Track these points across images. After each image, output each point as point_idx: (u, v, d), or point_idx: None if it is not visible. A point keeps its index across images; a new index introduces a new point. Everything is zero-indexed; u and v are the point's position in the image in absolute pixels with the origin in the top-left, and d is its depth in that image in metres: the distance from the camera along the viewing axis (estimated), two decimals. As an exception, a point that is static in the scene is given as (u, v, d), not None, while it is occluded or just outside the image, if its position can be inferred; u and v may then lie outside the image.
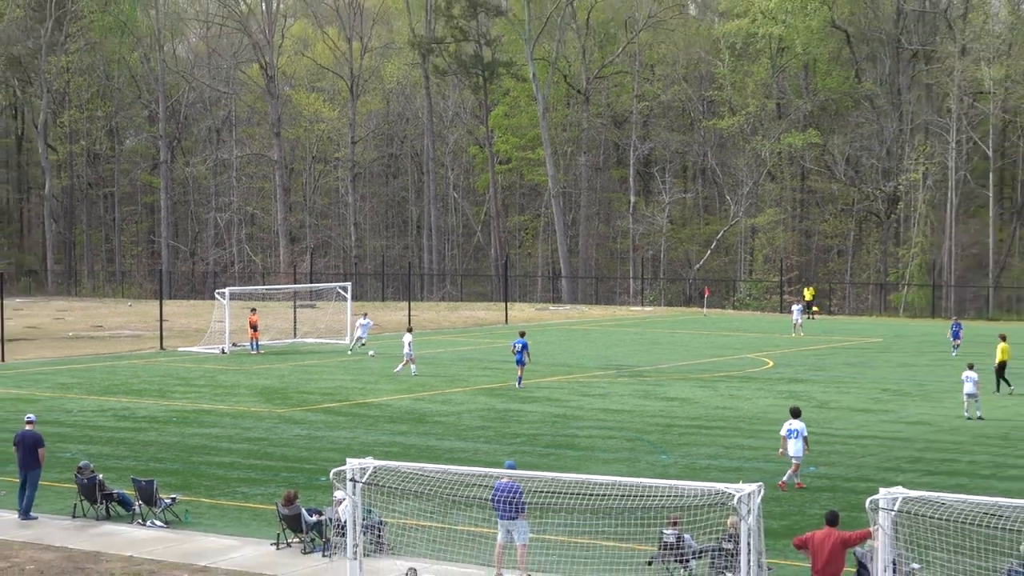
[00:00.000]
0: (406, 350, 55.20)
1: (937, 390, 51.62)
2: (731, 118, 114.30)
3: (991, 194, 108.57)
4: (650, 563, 23.19)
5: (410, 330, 57.87)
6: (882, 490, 19.50)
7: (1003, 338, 51.46)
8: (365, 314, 68.01)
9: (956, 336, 65.35)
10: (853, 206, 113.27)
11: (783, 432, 32.27)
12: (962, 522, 19.40)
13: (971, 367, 44.21)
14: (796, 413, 32.67)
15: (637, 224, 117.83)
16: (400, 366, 55.82)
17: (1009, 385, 50.08)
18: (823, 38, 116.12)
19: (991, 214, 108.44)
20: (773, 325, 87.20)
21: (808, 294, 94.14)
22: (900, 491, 19.41)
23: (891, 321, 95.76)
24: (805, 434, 32.09)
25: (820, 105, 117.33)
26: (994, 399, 47.12)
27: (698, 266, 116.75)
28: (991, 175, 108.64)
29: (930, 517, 19.46)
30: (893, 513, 19.25)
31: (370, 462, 22.10)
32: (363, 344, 65.41)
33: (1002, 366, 50.53)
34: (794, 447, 31.97)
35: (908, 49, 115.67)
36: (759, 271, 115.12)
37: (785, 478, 32.04)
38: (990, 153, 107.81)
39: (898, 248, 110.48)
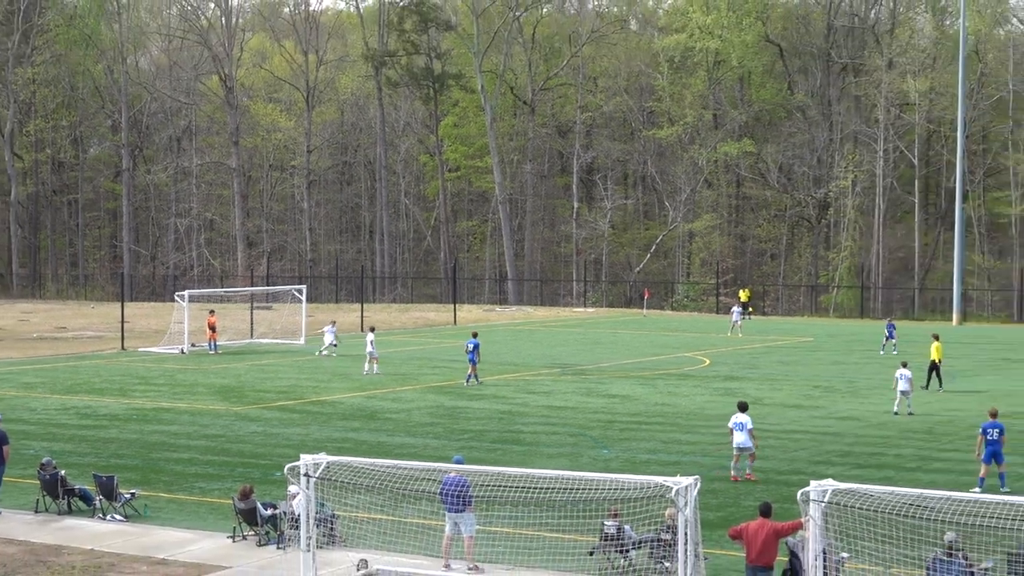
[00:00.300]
0: (369, 349, 55.90)
1: (866, 387, 52.55)
2: (670, 128, 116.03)
3: (916, 200, 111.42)
4: (591, 553, 23.36)
5: (372, 329, 58.81)
6: (813, 483, 19.82)
7: (936, 338, 52.26)
8: (333, 322, 67.38)
9: (890, 336, 66.56)
10: (786, 212, 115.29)
11: (730, 424, 33.20)
12: (889, 513, 19.72)
13: (905, 365, 45.13)
14: (743, 407, 33.55)
15: (580, 229, 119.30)
16: (367, 365, 56.44)
17: (940, 384, 50.83)
18: (757, 52, 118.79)
19: (916, 219, 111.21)
20: (710, 325, 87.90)
21: (744, 295, 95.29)
22: (830, 483, 19.73)
23: (822, 321, 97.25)
24: (751, 427, 32.85)
25: (754, 116, 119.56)
26: (921, 395, 47.46)
27: (638, 269, 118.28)
28: (916, 182, 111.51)
29: (859, 508, 19.65)
30: (823, 504, 19.52)
31: (323, 457, 22.15)
32: (335, 346, 64.83)
33: (935, 364, 51.27)
34: (740, 439, 32.86)
35: (838, 63, 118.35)
36: (696, 274, 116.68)
37: (734, 471, 32.95)
38: (915, 161, 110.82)
39: (828, 252, 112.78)
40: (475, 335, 54.32)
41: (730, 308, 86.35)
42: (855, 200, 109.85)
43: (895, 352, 63.95)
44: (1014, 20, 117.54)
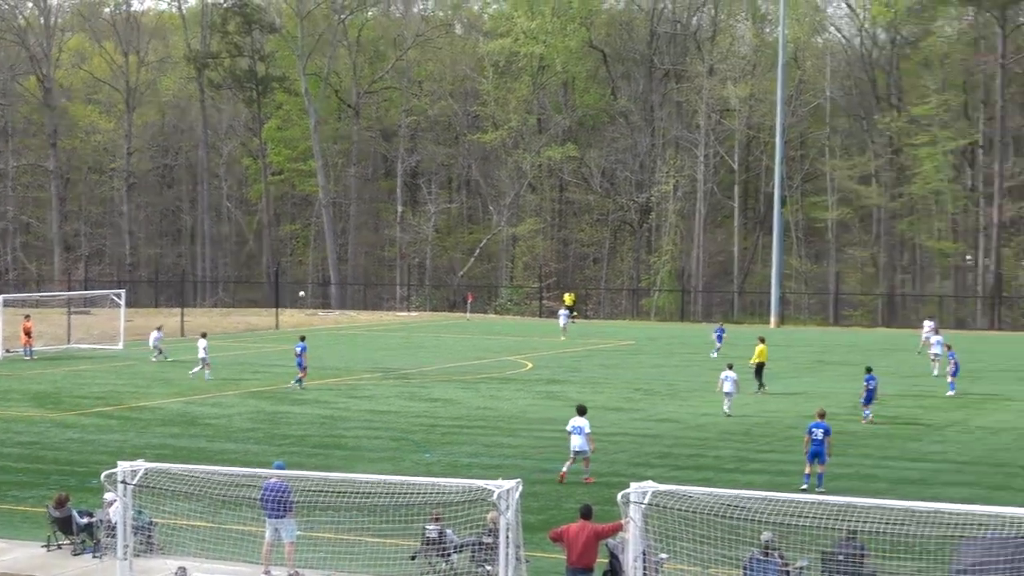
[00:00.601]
0: (201, 355, 55.67)
1: (685, 389, 53.45)
2: (494, 132, 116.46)
3: (736, 205, 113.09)
4: (413, 558, 23.45)
5: (204, 335, 58.34)
6: (633, 484, 20.01)
7: (761, 340, 53.45)
8: (159, 327, 66.67)
9: (719, 339, 67.46)
10: (608, 216, 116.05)
11: (568, 428, 33.57)
12: (707, 514, 19.97)
13: (730, 367, 46.28)
14: (582, 411, 33.75)
15: (404, 233, 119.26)
16: (196, 369, 56.22)
17: (762, 385, 51.88)
18: (581, 58, 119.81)
19: (736, 224, 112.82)
20: (533, 329, 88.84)
21: (568, 299, 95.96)
22: (650, 485, 19.95)
23: (643, 324, 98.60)
24: (588, 431, 33.14)
25: (578, 120, 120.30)
26: (739, 397, 47.56)
27: (462, 273, 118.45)
28: (736, 187, 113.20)
29: (678, 510, 19.86)
30: (643, 506, 19.73)
31: (141, 464, 21.97)
32: (162, 352, 64.32)
33: (760, 366, 52.40)
34: (577, 442, 33.17)
35: (660, 69, 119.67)
36: (520, 277, 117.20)
37: (564, 468, 33.38)
38: (735, 166, 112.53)
39: (650, 256, 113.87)
40: (303, 339, 54.13)
41: (557, 312, 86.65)
42: (676, 205, 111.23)
43: (714, 355, 64.99)
44: (831, 29, 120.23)
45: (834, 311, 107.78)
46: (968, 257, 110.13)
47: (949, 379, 52.64)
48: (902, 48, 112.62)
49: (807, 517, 19.82)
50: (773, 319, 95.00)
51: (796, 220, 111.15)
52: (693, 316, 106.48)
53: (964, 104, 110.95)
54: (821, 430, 32.38)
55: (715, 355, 65.18)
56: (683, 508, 19.89)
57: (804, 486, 31.74)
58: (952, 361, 52.73)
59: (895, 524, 19.26)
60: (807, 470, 32.41)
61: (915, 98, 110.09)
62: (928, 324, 69.99)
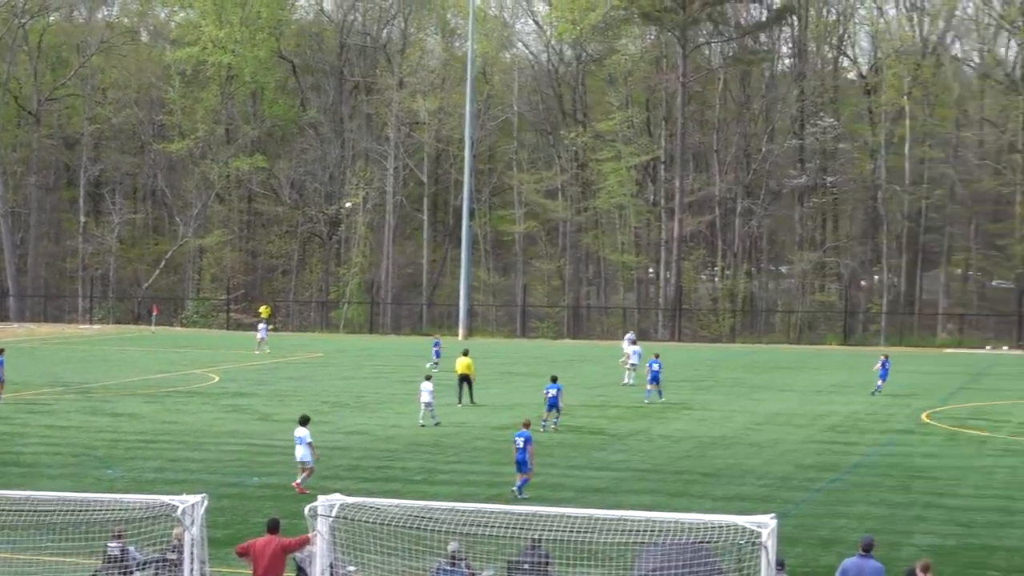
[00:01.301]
0: None
1: (374, 401, 54.30)
2: (181, 142, 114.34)
3: (425, 217, 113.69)
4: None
5: None
6: (320, 497, 20.13)
7: (465, 353, 54.36)
8: None
9: (437, 354, 67.92)
10: (297, 228, 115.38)
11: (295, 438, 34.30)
12: (395, 525, 20.13)
13: (428, 379, 47.44)
14: (304, 421, 34.44)
15: (87, 243, 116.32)
16: None
17: (467, 400, 52.70)
18: (270, 68, 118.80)
19: (425, 236, 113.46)
20: (220, 341, 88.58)
21: (264, 312, 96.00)
22: (338, 498, 20.06)
23: (332, 337, 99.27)
24: (309, 440, 33.73)
25: (267, 131, 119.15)
26: (438, 407, 48.44)
27: (147, 285, 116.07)
28: (426, 200, 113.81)
29: (365, 522, 19.93)
30: (330, 519, 19.78)
31: None
32: None
33: (464, 378, 52.93)
34: (299, 452, 33.83)
35: (351, 81, 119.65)
36: (207, 289, 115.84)
37: (299, 480, 33.78)
38: (425, 179, 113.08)
39: (339, 268, 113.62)
40: (1, 351, 53.20)
41: (257, 325, 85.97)
42: (366, 217, 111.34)
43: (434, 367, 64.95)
44: (519, 44, 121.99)
45: (521, 323, 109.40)
46: (650, 270, 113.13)
47: (648, 387, 54.52)
48: (587, 65, 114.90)
49: (493, 527, 19.96)
50: (461, 331, 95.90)
51: (484, 233, 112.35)
52: (383, 328, 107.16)
53: (647, 121, 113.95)
54: (522, 439, 33.35)
55: (435, 368, 64.95)
56: (371, 520, 19.93)
57: (515, 491, 33.26)
58: (650, 369, 54.73)
59: (579, 532, 19.47)
60: (518, 479, 33.59)
61: (600, 114, 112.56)
62: (629, 336, 71.26)
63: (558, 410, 46.07)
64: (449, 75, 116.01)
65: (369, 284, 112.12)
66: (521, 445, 33.34)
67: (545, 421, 45.52)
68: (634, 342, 66.65)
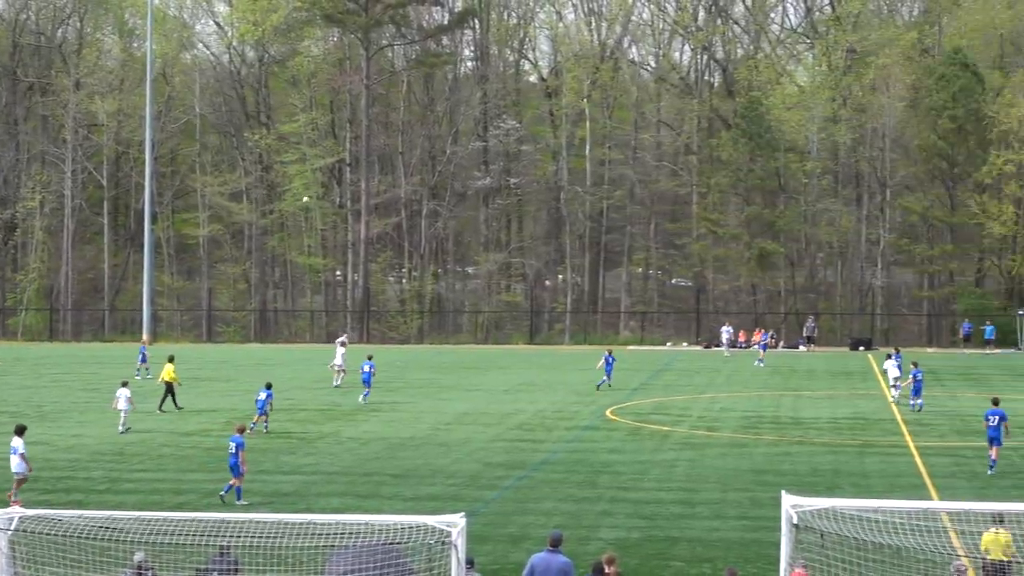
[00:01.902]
0: None
1: (55, 411, 52.91)
2: None
3: (106, 221, 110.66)
4: None
5: None
6: None
7: (171, 359, 53.46)
8: None
9: (143, 360, 67.26)
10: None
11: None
12: (79, 537, 19.50)
13: (125, 384, 46.83)
14: (20, 430, 33.92)
15: None
16: None
17: (172, 407, 51.82)
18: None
19: (106, 240, 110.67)
20: None
21: None
22: (16, 511, 19.61)
23: (10, 345, 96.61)
24: (22, 451, 33.15)
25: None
26: (110, 417, 47.85)
27: None
28: (106, 203, 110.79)
29: (47, 534, 19.35)
30: (10, 533, 19.12)
31: None
32: None
33: (169, 386, 52.16)
34: (14, 463, 33.26)
35: (25, 81, 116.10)
36: None
37: (13, 492, 32.74)
38: (104, 182, 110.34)
39: (16, 274, 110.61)
40: None
41: None
42: (43, 221, 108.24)
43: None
44: (200, 45, 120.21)
45: (208, 327, 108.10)
46: (338, 272, 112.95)
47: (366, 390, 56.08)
48: (270, 66, 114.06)
49: (181, 535, 19.72)
50: (146, 336, 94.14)
51: (168, 236, 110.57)
52: (63, 335, 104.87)
53: (331, 123, 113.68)
54: (235, 444, 33.60)
55: (148, 375, 63.39)
56: (53, 532, 19.32)
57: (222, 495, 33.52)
58: (362, 370, 56.46)
59: (268, 537, 19.39)
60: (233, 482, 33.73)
61: (284, 116, 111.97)
62: (340, 339, 70.66)
63: (267, 413, 46.64)
64: (128, 76, 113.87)
65: (48, 290, 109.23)
66: (233, 450, 33.45)
67: (255, 424, 45.36)
68: (344, 344, 66.79)
